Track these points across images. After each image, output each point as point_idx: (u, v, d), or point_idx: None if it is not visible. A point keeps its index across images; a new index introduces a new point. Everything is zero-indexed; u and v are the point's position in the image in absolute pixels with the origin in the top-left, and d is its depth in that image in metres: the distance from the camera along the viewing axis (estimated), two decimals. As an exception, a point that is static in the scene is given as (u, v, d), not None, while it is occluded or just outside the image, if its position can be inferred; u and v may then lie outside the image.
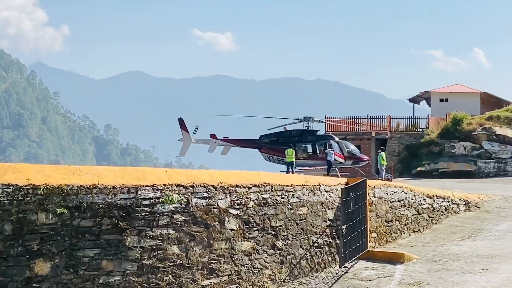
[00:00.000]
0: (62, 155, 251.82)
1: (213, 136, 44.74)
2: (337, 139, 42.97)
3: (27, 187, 12.56)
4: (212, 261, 14.92)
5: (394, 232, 22.33)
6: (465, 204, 27.27)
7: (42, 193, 12.64)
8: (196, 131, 44.87)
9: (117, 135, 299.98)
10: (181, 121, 44.31)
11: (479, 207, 27.62)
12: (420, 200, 24.28)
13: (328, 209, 18.84)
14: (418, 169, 51.56)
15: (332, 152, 39.86)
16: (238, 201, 15.71)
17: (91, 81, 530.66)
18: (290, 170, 38.87)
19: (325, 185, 18.89)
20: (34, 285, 12.53)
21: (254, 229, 16.14)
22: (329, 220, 18.81)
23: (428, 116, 59.50)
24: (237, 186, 15.76)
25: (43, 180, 12.81)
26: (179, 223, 14.30)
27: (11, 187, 12.45)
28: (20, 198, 12.49)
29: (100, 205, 13.18)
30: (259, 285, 16.07)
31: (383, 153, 43.48)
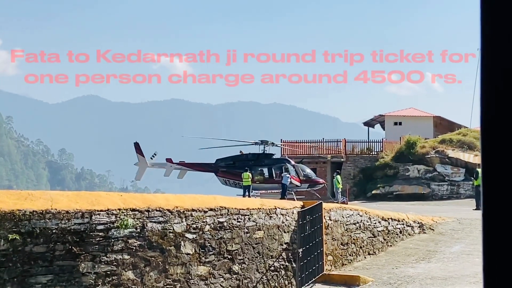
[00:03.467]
0: (15, 180, 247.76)
1: (169, 160, 44.62)
2: (293, 162, 43.19)
3: (-22, 212, 12.31)
4: (167, 286, 14.78)
5: (350, 255, 22.41)
6: (419, 227, 27.52)
7: (-6, 218, 12.40)
8: (154, 156, 44.73)
9: (71, 160, 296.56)
10: (136, 145, 44.10)
11: (433, 229, 27.90)
12: (375, 223, 24.45)
13: (284, 232, 18.85)
14: (373, 192, 51.95)
15: (288, 175, 40.02)
16: (194, 225, 15.63)
17: (45, 105, 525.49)
18: (247, 193, 38.89)
19: (281, 208, 18.91)
20: (-15, 313, 12.24)
21: (210, 253, 16.05)
22: (285, 243, 18.81)
23: (382, 139, 60.14)
24: (193, 210, 15.68)
25: (-5, 205, 12.57)
26: (134, 248, 14.15)
27: (-39, 213, 12.18)
28: (-30, 224, 12.23)
29: (54, 231, 12.97)
30: (216, 310, 15.96)
31: (338, 176, 43.76)
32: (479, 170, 33.38)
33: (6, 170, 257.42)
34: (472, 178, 42.68)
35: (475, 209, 34.49)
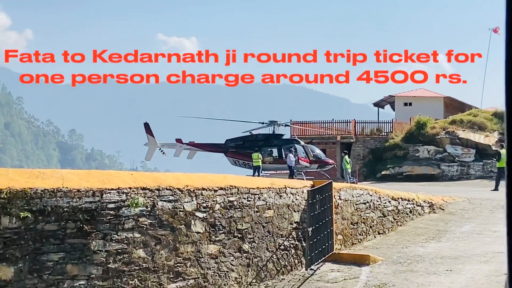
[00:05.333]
0: (26, 161, 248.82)
1: (178, 141, 44.65)
2: (302, 143, 43.18)
3: (-10, 191, 12.38)
4: (178, 264, 14.85)
5: (360, 234, 22.45)
6: (429, 206, 27.51)
7: (5, 197, 12.46)
8: (163, 152, 44.83)
9: (81, 140, 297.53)
10: (146, 126, 44.15)
11: (443, 209, 27.89)
12: (385, 202, 24.45)
13: (294, 211, 18.89)
14: (382, 172, 51.93)
15: (292, 156, 39.94)
16: (204, 204, 15.67)
17: (55, 86, 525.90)
18: (257, 174, 38.93)
19: (291, 188, 18.93)
20: (-3, 290, 12.35)
21: (220, 232, 16.11)
22: (295, 222, 18.85)
23: (392, 120, 60.00)
24: (203, 189, 15.72)
25: (6, 184, 12.63)
26: (145, 226, 14.21)
27: (-27, 191, 12.26)
28: (-18, 202, 12.31)
29: (65, 209, 13.04)
30: (226, 288, 16.04)
31: (346, 156, 43.70)
32: (502, 151, 33.24)
33: (17, 151, 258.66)
34: (494, 159, 42.07)
35: (493, 190, 34.23)
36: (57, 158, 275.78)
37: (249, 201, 17.13)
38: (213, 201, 15.95)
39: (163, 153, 44.94)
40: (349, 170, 43.26)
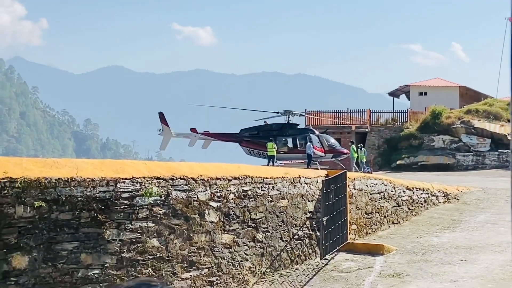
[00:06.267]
0: (41, 150, 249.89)
1: (193, 130, 44.62)
2: (317, 132, 43.03)
3: (4, 180, 12.42)
4: (192, 254, 14.87)
5: (374, 224, 22.40)
6: (444, 196, 27.41)
7: (20, 186, 12.50)
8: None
9: (97, 130, 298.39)
10: (161, 115, 44.16)
11: (458, 199, 27.78)
12: (400, 192, 24.37)
13: (309, 201, 18.85)
14: (397, 162, 51.78)
15: (311, 145, 39.92)
16: (218, 194, 15.67)
17: (70, 76, 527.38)
18: (271, 163, 38.88)
19: (305, 177, 18.90)
20: (11, 279, 12.40)
21: (234, 221, 16.11)
22: (309, 212, 18.83)
23: (407, 109, 59.76)
24: (217, 178, 15.72)
25: (21, 173, 12.67)
26: (159, 215, 14.23)
27: (-13, 180, 12.31)
28: (-3, 191, 12.35)
29: (79, 198, 13.07)
30: (239, 278, 16.05)
31: (353, 145, 43.54)
32: None
33: (32, 140, 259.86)
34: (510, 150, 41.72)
35: None
36: (72, 148, 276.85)
37: (263, 190, 17.11)
38: (227, 190, 15.94)
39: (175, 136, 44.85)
40: (363, 160, 43.14)
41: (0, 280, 12.28)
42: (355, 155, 42.69)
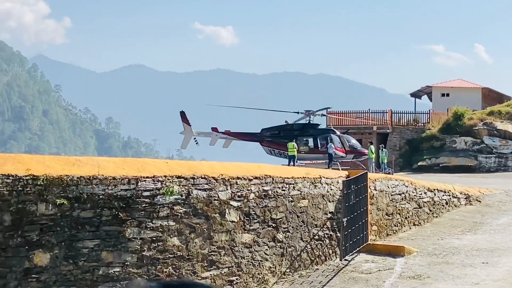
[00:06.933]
0: (63, 148, 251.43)
1: (214, 129, 44.63)
2: (338, 133, 42.88)
3: (27, 177, 12.52)
4: (212, 253, 14.90)
5: (395, 225, 22.29)
6: (465, 198, 27.21)
7: (42, 183, 12.60)
8: (196, 142, 44.86)
9: (118, 128, 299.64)
10: (182, 114, 44.21)
11: (479, 201, 27.56)
12: (421, 194, 24.23)
13: (329, 201, 18.81)
14: (419, 163, 51.46)
15: (332, 145, 39.82)
16: (239, 193, 15.68)
17: (92, 74, 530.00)
18: (292, 163, 38.81)
19: (326, 178, 18.85)
20: (33, 276, 12.50)
21: (255, 221, 16.11)
22: (330, 212, 18.78)
23: (429, 110, 59.37)
24: (238, 178, 15.73)
25: (43, 170, 12.77)
26: (180, 214, 14.27)
27: (10, 178, 12.42)
28: (19, 188, 12.46)
29: (100, 196, 13.14)
30: (259, 278, 16.05)
31: (372, 146, 43.35)
32: None
33: (54, 138, 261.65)
34: None
35: None
36: (94, 146, 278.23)
37: (284, 190, 17.09)
38: (248, 190, 15.95)
39: (197, 143, 44.97)
40: (385, 161, 42.96)
41: (21, 277, 12.38)
42: (373, 155, 42.50)
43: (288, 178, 17.29)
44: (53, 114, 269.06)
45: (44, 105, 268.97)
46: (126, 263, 13.40)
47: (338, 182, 19.08)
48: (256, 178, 16.22)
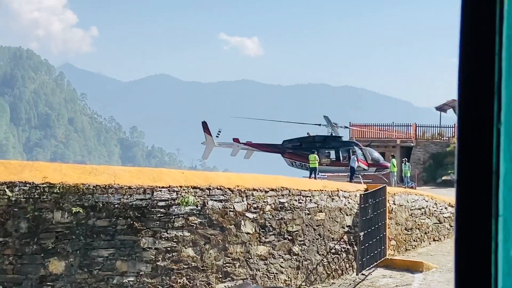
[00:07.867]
0: (88, 156, 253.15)
1: (236, 140, 44.68)
2: (361, 145, 42.72)
3: (44, 185, 12.60)
4: (227, 264, 14.86)
5: (414, 240, 22.10)
6: (487, 214, 26.92)
7: (58, 191, 12.66)
8: (219, 134, 44.89)
9: (142, 138, 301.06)
10: (204, 124, 44.33)
11: (502, 218, 27.27)
12: (442, 209, 24.02)
13: (347, 215, 18.70)
14: (443, 178, 51.04)
15: (355, 158, 39.66)
16: (255, 205, 15.63)
17: (118, 83, 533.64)
18: (313, 176, 38.70)
19: (344, 191, 18.75)
20: (48, 283, 12.55)
21: (270, 233, 16.05)
22: (347, 226, 18.66)
23: (454, 124, 58.96)
24: (254, 189, 15.69)
25: (60, 178, 12.84)
26: (195, 225, 14.26)
27: (27, 185, 12.50)
28: (36, 196, 12.53)
29: (116, 205, 13.18)
30: (275, 290, 15.98)
31: (394, 160, 43.10)
32: None
33: (79, 146, 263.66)
34: None
35: None
36: (118, 154, 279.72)
37: (300, 203, 17.02)
38: (264, 202, 15.90)
39: (219, 132, 44.77)
40: (407, 175, 42.72)
41: (37, 284, 12.44)
42: (394, 169, 42.27)
43: (305, 190, 17.22)
44: (78, 122, 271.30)
45: (70, 113, 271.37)
46: (140, 272, 13.41)
47: (356, 196, 18.97)
48: (272, 190, 16.17)
